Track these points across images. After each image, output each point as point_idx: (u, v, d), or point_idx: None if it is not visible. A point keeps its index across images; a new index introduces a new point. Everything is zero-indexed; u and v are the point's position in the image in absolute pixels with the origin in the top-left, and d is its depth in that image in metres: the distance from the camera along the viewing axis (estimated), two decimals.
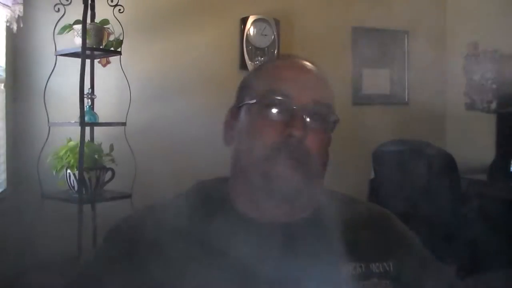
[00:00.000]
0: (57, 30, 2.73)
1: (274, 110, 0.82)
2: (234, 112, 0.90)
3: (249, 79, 0.91)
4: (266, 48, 3.86)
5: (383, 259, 0.86)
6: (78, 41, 2.65)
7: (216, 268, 0.78)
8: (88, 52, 2.68)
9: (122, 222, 0.87)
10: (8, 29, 2.86)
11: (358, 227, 0.87)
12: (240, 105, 0.88)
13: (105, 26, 2.77)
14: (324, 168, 0.86)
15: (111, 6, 2.87)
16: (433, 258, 0.93)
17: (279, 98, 0.82)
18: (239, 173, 0.86)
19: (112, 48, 2.80)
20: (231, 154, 0.88)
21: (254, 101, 0.84)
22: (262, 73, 0.90)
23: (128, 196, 2.76)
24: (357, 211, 0.91)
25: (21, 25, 2.77)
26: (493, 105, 4.07)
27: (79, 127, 2.59)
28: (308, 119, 0.82)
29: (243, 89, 0.90)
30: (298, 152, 0.80)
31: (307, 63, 0.91)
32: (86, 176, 2.60)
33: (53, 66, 2.76)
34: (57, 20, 2.72)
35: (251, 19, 3.84)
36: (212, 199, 0.86)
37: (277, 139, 0.80)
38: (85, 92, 2.68)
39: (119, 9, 2.88)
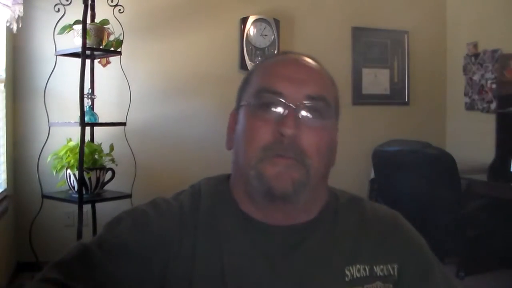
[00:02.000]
0: (57, 30, 2.73)
1: (266, 109, 0.79)
2: (234, 115, 0.87)
3: (244, 80, 0.89)
4: (266, 48, 3.86)
5: (388, 261, 0.83)
6: (78, 41, 2.65)
7: (219, 269, 0.77)
8: (88, 52, 2.68)
9: (125, 215, 0.83)
10: (8, 29, 2.86)
11: (365, 228, 0.85)
12: (238, 107, 0.86)
13: (105, 26, 2.77)
14: (326, 167, 0.82)
15: (111, 6, 2.87)
16: (440, 266, 0.88)
17: (270, 96, 0.80)
18: (238, 176, 0.84)
19: (112, 48, 2.80)
20: (232, 157, 0.86)
21: (246, 102, 0.82)
22: (256, 72, 0.87)
23: (128, 196, 2.76)
24: (364, 211, 0.88)
25: (21, 25, 2.77)
26: (493, 105, 4.08)
27: (79, 127, 2.59)
28: (302, 116, 0.79)
29: (240, 91, 0.88)
30: (292, 152, 0.77)
31: (304, 57, 0.88)
32: (86, 176, 2.60)
33: (53, 66, 2.75)
34: (57, 20, 2.72)
35: (251, 19, 3.84)
36: (217, 198, 0.84)
37: (269, 139, 0.78)
38: (85, 92, 2.67)
39: (119, 9, 2.88)
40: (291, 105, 0.78)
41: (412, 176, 3.12)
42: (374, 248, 0.83)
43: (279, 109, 0.79)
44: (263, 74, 0.85)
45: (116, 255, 0.76)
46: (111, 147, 2.79)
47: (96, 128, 2.94)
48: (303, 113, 0.79)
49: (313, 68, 0.86)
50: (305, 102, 0.79)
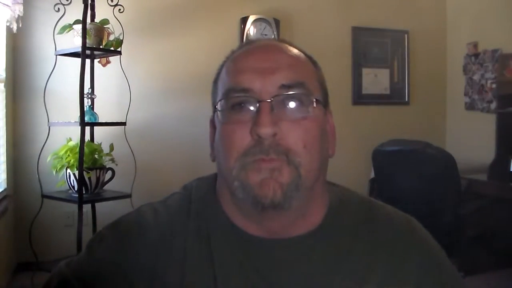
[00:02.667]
0: (57, 30, 2.72)
1: (238, 111, 0.70)
2: (212, 122, 0.78)
3: (214, 82, 0.79)
4: None
5: (403, 282, 0.73)
6: (78, 41, 2.65)
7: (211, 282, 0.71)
8: (88, 52, 2.68)
9: (108, 232, 0.76)
10: (8, 29, 2.86)
11: (376, 239, 0.75)
12: (213, 112, 0.76)
13: (105, 26, 2.76)
14: (320, 161, 0.72)
15: (111, 6, 2.87)
16: (460, 281, 0.80)
17: (238, 95, 0.70)
18: (224, 188, 0.74)
19: (112, 48, 2.79)
20: (216, 163, 0.76)
21: (218, 104, 0.72)
22: (222, 70, 0.77)
23: (128, 196, 2.76)
24: (375, 218, 0.77)
25: (21, 25, 2.77)
26: (493, 105, 4.08)
27: (79, 127, 2.59)
28: (278, 110, 0.68)
29: (212, 94, 0.78)
30: (274, 153, 0.67)
31: (272, 42, 0.78)
32: (86, 176, 2.60)
33: (53, 66, 2.75)
34: (57, 20, 2.72)
35: (251, 19, 3.84)
36: (208, 210, 0.76)
37: (247, 143, 0.68)
38: (85, 92, 2.67)
39: (119, 9, 2.88)
40: (263, 100, 0.68)
41: (412, 176, 3.12)
42: (388, 265, 0.73)
43: (252, 107, 0.69)
44: (228, 71, 0.75)
45: (94, 285, 0.71)
46: (111, 147, 2.79)
47: (96, 128, 2.94)
48: (280, 105, 0.69)
49: (284, 52, 0.74)
50: (279, 93, 0.69)
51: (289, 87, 0.69)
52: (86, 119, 2.66)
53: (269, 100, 0.68)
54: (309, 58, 0.78)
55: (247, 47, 0.78)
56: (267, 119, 0.67)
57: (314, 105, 0.71)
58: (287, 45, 0.77)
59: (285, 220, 0.72)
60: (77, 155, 2.56)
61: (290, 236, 0.72)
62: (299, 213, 0.72)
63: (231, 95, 0.70)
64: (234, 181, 0.69)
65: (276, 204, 0.67)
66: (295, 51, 0.76)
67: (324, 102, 0.75)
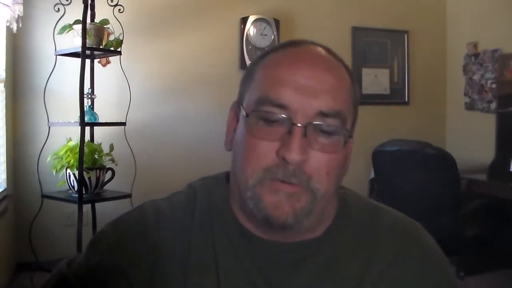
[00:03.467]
0: (57, 30, 2.72)
1: (268, 126, 0.66)
2: (236, 110, 0.75)
3: (247, 74, 0.75)
4: (266, 48, 3.86)
5: (397, 284, 0.72)
6: (78, 41, 2.65)
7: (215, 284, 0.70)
8: (88, 52, 2.68)
9: (109, 230, 0.75)
10: (8, 29, 2.86)
11: (377, 246, 0.74)
12: (239, 103, 0.74)
13: (105, 26, 2.76)
14: (336, 185, 0.71)
15: (111, 6, 2.87)
16: None
17: (272, 109, 0.66)
18: (235, 187, 0.73)
19: (112, 48, 2.79)
20: (231, 163, 0.75)
21: (247, 108, 0.69)
22: (259, 67, 0.73)
23: (128, 196, 2.76)
24: (380, 225, 0.76)
25: (21, 25, 2.77)
26: (493, 105, 4.08)
27: (79, 127, 2.59)
28: (311, 137, 0.66)
29: (243, 85, 0.74)
30: (297, 179, 0.65)
31: (319, 53, 0.73)
32: (86, 176, 2.60)
33: (53, 66, 2.75)
34: (57, 20, 2.72)
35: (251, 19, 3.84)
36: (214, 207, 0.76)
37: (270, 162, 0.66)
38: (85, 92, 2.67)
39: (119, 9, 2.88)
40: (297, 124, 0.65)
41: (412, 176, 3.12)
42: (385, 265, 0.72)
43: (284, 126, 0.66)
44: (266, 75, 0.70)
45: (94, 285, 0.70)
46: (111, 147, 2.79)
47: (96, 128, 2.94)
48: (312, 133, 0.66)
49: (330, 71, 0.70)
50: (315, 121, 0.66)
51: (326, 115, 0.67)
52: (86, 119, 2.66)
53: (304, 125, 0.65)
54: (349, 73, 0.75)
55: (293, 52, 0.73)
56: (298, 146, 0.64)
57: (346, 133, 0.69)
58: (332, 59, 0.73)
59: (292, 234, 0.71)
60: (77, 155, 2.56)
61: (295, 240, 0.72)
62: (307, 229, 0.72)
63: (265, 107, 0.67)
64: (247, 191, 0.68)
65: (287, 226, 0.67)
66: (339, 70, 0.73)
67: (351, 128, 0.72)
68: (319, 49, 0.74)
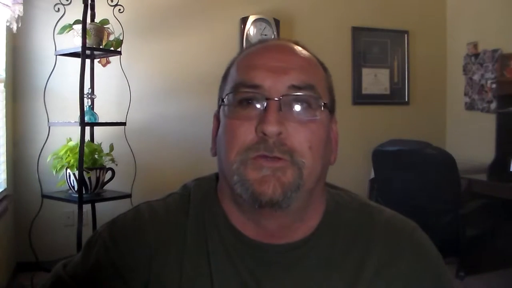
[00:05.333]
0: (57, 30, 2.72)
1: (246, 106, 0.69)
2: (217, 116, 0.77)
3: (223, 77, 0.79)
4: None
5: (390, 281, 0.72)
6: (78, 41, 2.65)
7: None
8: (88, 52, 2.68)
9: (105, 230, 0.76)
10: (8, 29, 2.86)
11: (369, 245, 0.74)
12: (218, 106, 0.76)
13: (105, 26, 2.76)
14: (322, 166, 0.71)
15: (111, 6, 2.87)
16: None
17: (247, 90, 0.69)
18: (224, 184, 0.74)
19: (112, 48, 2.79)
20: (217, 157, 0.75)
21: (225, 98, 0.72)
22: (233, 66, 0.77)
23: (128, 196, 2.76)
24: (373, 224, 0.76)
25: (21, 25, 2.77)
26: (493, 105, 4.08)
27: (79, 127, 2.59)
28: (286, 110, 0.68)
29: (220, 89, 0.78)
30: (279, 151, 0.66)
31: (286, 43, 0.77)
32: (86, 176, 2.60)
33: (53, 66, 2.75)
34: (57, 20, 2.72)
35: (251, 19, 3.84)
36: (206, 208, 0.76)
37: (251, 139, 0.67)
38: (85, 92, 2.67)
39: (119, 9, 2.88)
40: (272, 98, 0.68)
41: (412, 176, 3.12)
42: (378, 263, 0.73)
43: (259, 104, 0.69)
44: (240, 66, 0.74)
45: (91, 286, 0.72)
46: (111, 147, 2.79)
47: (96, 128, 2.94)
48: (288, 106, 0.69)
49: (297, 54, 0.74)
50: (288, 93, 0.69)
51: (299, 88, 0.69)
52: (86, 119, 2.66)
53: (278, 99, 0.68)
54: (321, 63, 0.78)
55: (260, 45, 0.77)
56: (274, 118, 0.66)
57: (322, 109, 0.71)
58: (300, 47, 0.77)
59: (283, 221, 0.71)
60: (77, 155, 2.56)
61: (286, 241, 0.73)
62: (297, 216, 0.72)
63: (240, 90, 0.70)
64: (233, 175, 0.68)
65: (275, 203, 0.67)
66: (307, 54, 0.76)
67: (331, 108, 0.75)
68: (286, 41, 0.78)
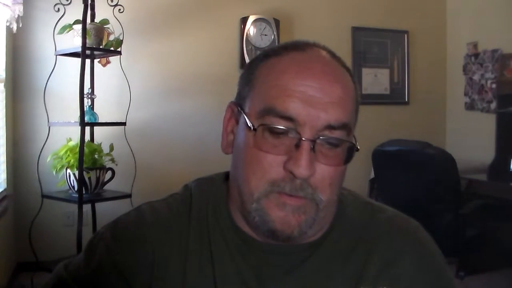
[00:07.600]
0: (57, 30, 2.72)
1: (274, 138, 0.65)
2: (234, 110, 0.72)
3: (246, 78, 0.71)
4: (266, 48, 3.86)
5: (393, 282, 0.71)
6: (78, 41, 2.65)
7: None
8: (88, 52, 2.68)
9: (107, 231, 0.75)
10: (8, 29, 2.86)
11: (373, 245, 0.73)
12: (238, 105, 0.71)
13: (105, 26, 2.76)
14: (338, 192, 0.70)
15: (111, 6, 2.87)
16: None
17: (279, 121, 0.64)
18: (236, 194, 0.71)
19: (112, 48, 2.79)
20: (231, 162, 0.73)
21: (249, 120, 0.67)
22: (261, 73, 0.69)
23: (128, 196, 2.76)
24: (375, 224, 0.75)
25: (21, 25, 2.77)
26: (493, 105, 4.08)
27: (79, 127, 2.59)
28: (318, 151, 0.64)
29: (242, 87, 0.72)
30: (304, 192, 0.64)
31: (324, 59, 0.70)
32: (86, 176, 2.60)
33: (53, 66, 2.75)
34: (57, 20, 2.72)
35: (251, 19, 3.84)
36: (211, 208, 0.75)
37: (276, 175, 0.65)
38: (85, 92, 2.67)
39: (119, 9, 2.88)
40: (307, 138, 0.63)
41: (412, 176, 3.12)
42: (381, 264, 0.72)
43: (291, 138, 0.64)
44: (271, 85, 0.66)
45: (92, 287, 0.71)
46: (111, 147, 2.79)
47: (96, 128, 2.94)
48: (319, 146, 0.65)
49: (338, 79, 0.68)
50: (324, 134, 0.64)
51: (334, 128, 0.65)
52: (86, 119, 2.66)
53: (312, 139, 0.64)
54: (353, 80, 0.73)
55: (297, 58, 0.69)
56: (307, 161, 0.63)
57: (349, 141, 0.68)
58: (338, 67, 0.71)
59: (294, 242, 0.71)
60: (77, 155, 2.56)
61: (291, 243, 0.71)
62: (309, 237, 0.71)
63: (271, 118, 0.65)
64: (252, 203, 0.66)
65: (292, 239, 0.67)
66: (346, 79, 0.70)
67: (353, 131, 0.70)
68: (324, 54, 0.71)
